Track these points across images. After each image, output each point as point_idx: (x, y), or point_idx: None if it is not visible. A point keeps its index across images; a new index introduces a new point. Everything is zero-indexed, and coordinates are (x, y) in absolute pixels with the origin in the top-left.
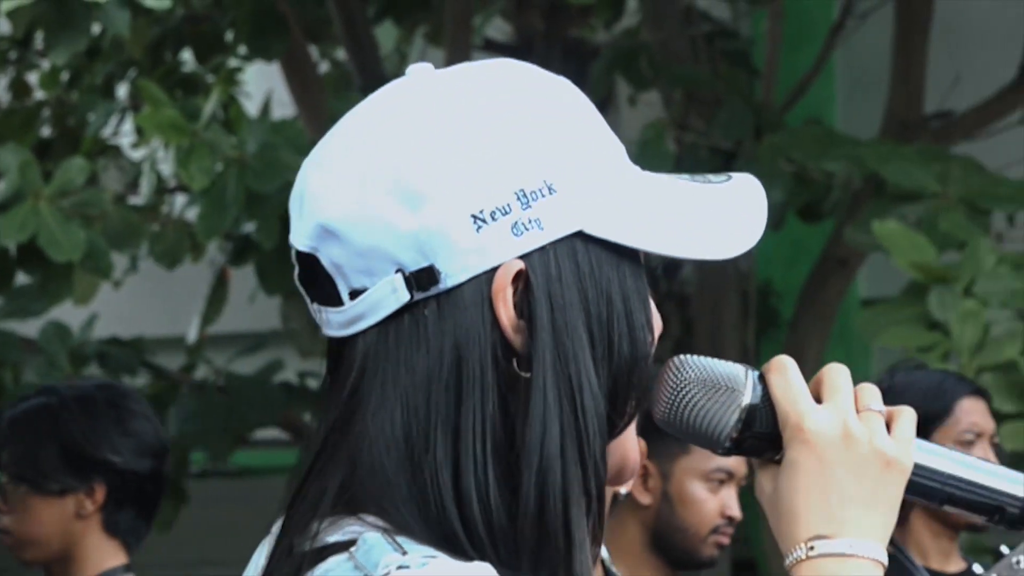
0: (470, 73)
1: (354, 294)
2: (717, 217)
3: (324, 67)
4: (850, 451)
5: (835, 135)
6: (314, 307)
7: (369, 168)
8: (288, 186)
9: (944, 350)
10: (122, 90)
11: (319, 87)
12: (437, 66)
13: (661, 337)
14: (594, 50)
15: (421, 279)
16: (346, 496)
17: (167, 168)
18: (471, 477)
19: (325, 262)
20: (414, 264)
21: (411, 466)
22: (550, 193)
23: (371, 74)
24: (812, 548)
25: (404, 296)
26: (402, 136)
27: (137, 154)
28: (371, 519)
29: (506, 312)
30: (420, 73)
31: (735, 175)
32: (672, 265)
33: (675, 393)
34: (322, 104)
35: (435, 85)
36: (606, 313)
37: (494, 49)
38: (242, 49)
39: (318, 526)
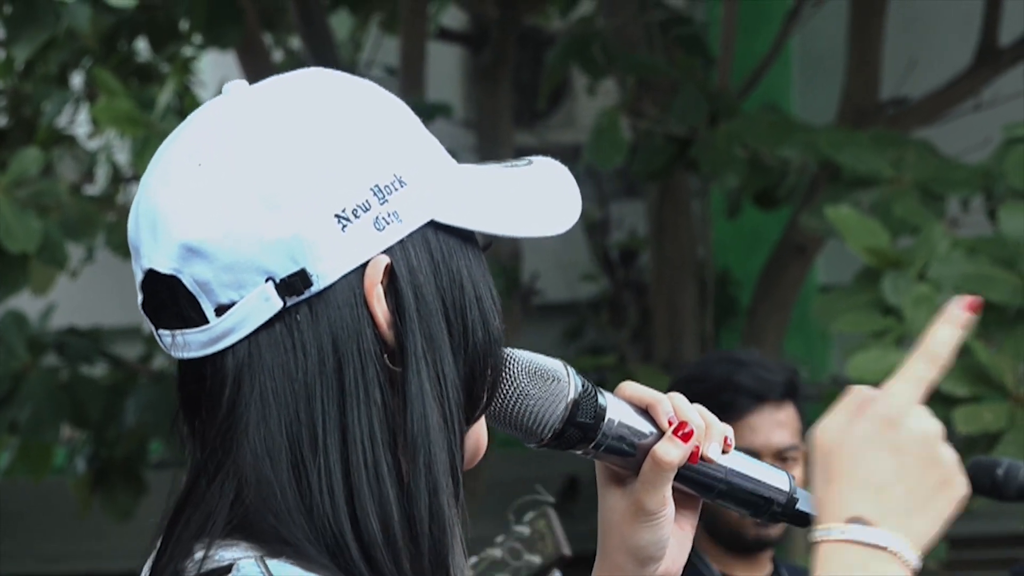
0: (292, 84)
1: (220, 310)
2: (541, 197)
3: (279, 56)
4: (929, 454)
5: (790, 121)
6: (162, 333)
7: (227, 182)
8: None
9: (898, 335)
10: (77, 79)
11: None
12: (394, 54)
13: (620, 325)
14: (549, 38)
15: (293, 284)
16: (238, 517)
17: (123, 158)
18: (363, 476)
19: (187, 282)
20: (284, 271)
21: (297, 474)
22: (401, 186)
23: (326, 63)
24: (844, 531)
25: (277, 304)
26: (254, 148)
27: (93, 144)
28: (248, 544)
29: (380, 307)
30: (242, 89)
31: (535, 158)
32: (629, 254)
33: (505, 383)
34: None
35: (265, 98)
36: (460, 300)
37: (449, 38)
38: (197, 38)
39: (205, 551)
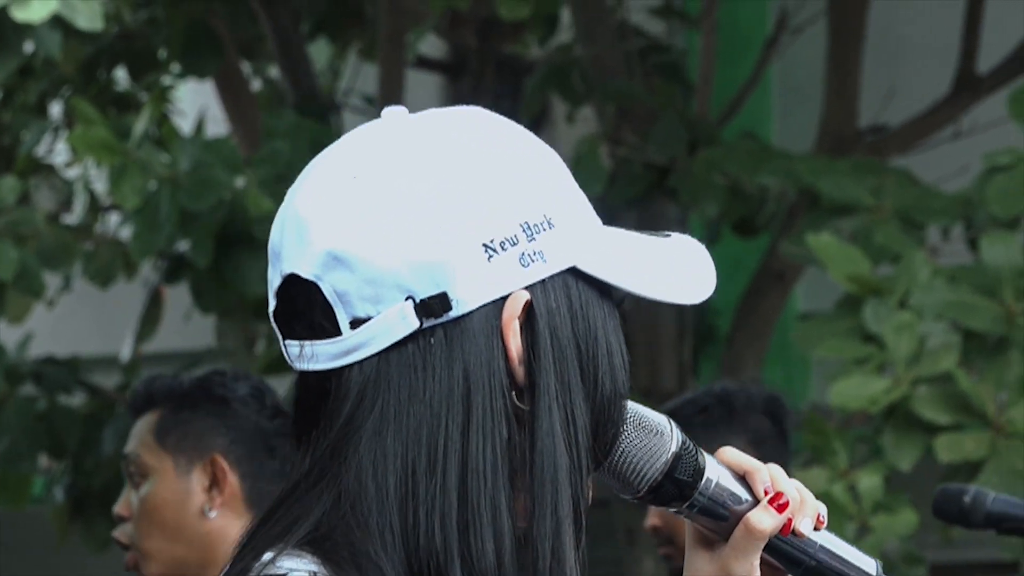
0: (452, 116)
1: (355, 323)
2: (679, 265)
3: (257, 84)
4: None
5: (769, 149)
6: (290, 344)
7: (381, 197)
8: (221, 204)
9: (880, 362)
10: (56, 108)
11: (252, 105)
12: (371, 83)
13: None
14: (528, 66)
15: (432, 306)
16: (325, 527)
17: (101, 187)
18: (481, 505)
19: (327, 290)
20: (425, 292)
21: (406, 495)
22: (550, 227)
23: (305, 91)
24: None
25: (413, 323)
26: (410, 169)
27: (71, 173)
28: (315, 557)
29: (515, 342)
30: (400, 115)
31: (673, 233)
32: None
33: None
34: (256, 121)
35: (424, 124)
36: (593, 350)
37: (428, 66)
38: (175, 67)
39: (275, 555)
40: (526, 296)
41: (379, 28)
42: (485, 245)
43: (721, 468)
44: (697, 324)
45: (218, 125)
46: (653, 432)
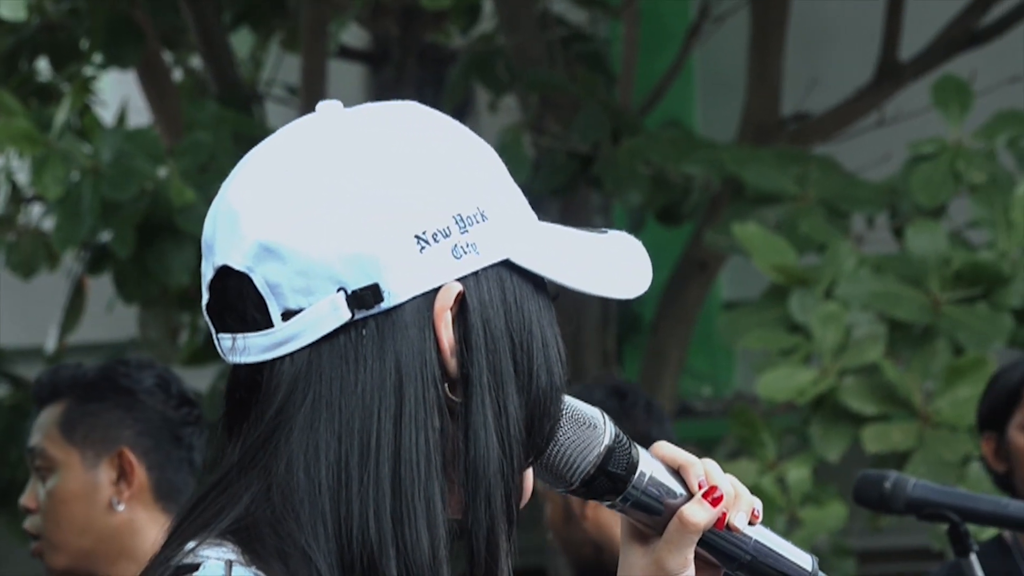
0: (387, 109)
1: (287, 315)
2: (614, 259)
3: (179, 75)
4: None
5: (693, 138)
6: (222, 337)
7: (313, 189)
8: (143, 195)
9: (806, 352)
10: None
11: (175, 95)
12: (294, 73)
13: None
14: (451, 56)
15: (364, 298)
16: (252, 517)
17: (23, 177)
18: (416, 496)
19: (259, 282)
20: (356, 283)
21: (338, 486)
22: (483, 220)
23: (227, 81)
24: None
25: (345, 315)
26: (343, 161)
27: None
28: (236, 546)
29: (447, 333)
30: (335, 108)
31: (610, 230)
32: None
33: None
34: (178, 112)
35: (359, 118)
36: (528, 343)
37: (350, 56)
38: (97, 57)
39: (195, 544)
40: (458, 288)
41: (301, 18)
42: (417, 237)
43: (655, 462)
44: (621, 313)
45: (140, 115)
46: (586, 425)
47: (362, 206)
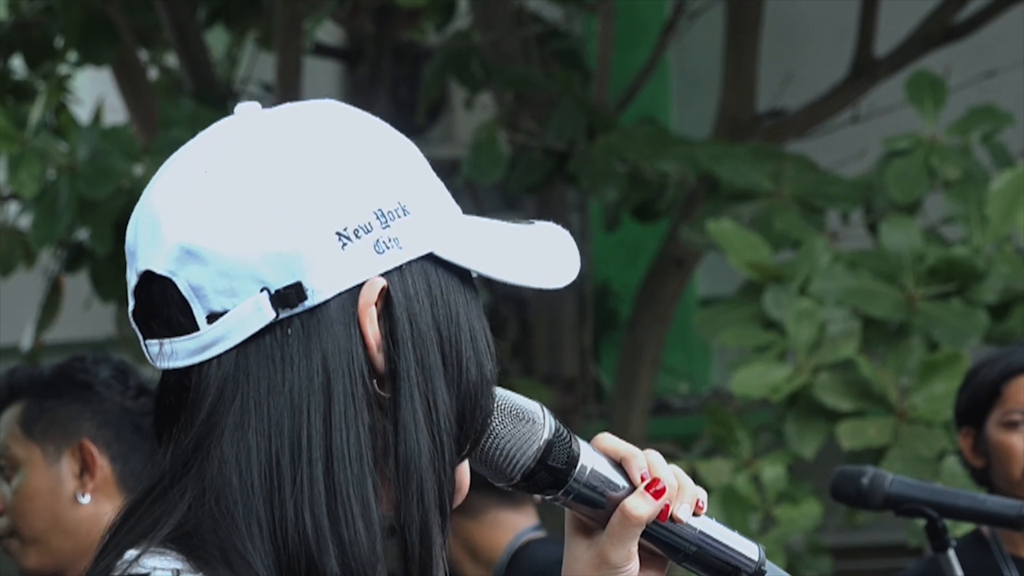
0: (306, 109)
1: (212, 317)
2: (541, 250)
3: (154, 73)
4: None
5: (668, 135)
6: (150, 343)
7: (231, 190)
8: (120, 193)
9: (781, 349)
10: None
11: (150, 93)
12: (269, 71)
13: (500, 338)
14: (426, 53)
15: (288, 297)
16: (191, 523)
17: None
18: (349, 493)
19: (182, 285)
20: (280, 282)
21: (271, 487)
22: (405, 214)
23: (202, 79)
24: None
25: (269, 315)
26: (261, 161)
27: None
28: (179, 555)
29: (372, 330)
30: (254, 110)
31: (536, 221)
32: None
33: None
34: (153, 109)
35: (277, 118)
36: (456, 336)
37: (326, 53)
38: (72, 55)
39: (138, 554)
40: (382, 283)
41: (276, 16)
42: (338, 233)
43: (597, 455)
44: (598, 309)
45: (116, 114)
46: (524, 420)
47: (282, 205)
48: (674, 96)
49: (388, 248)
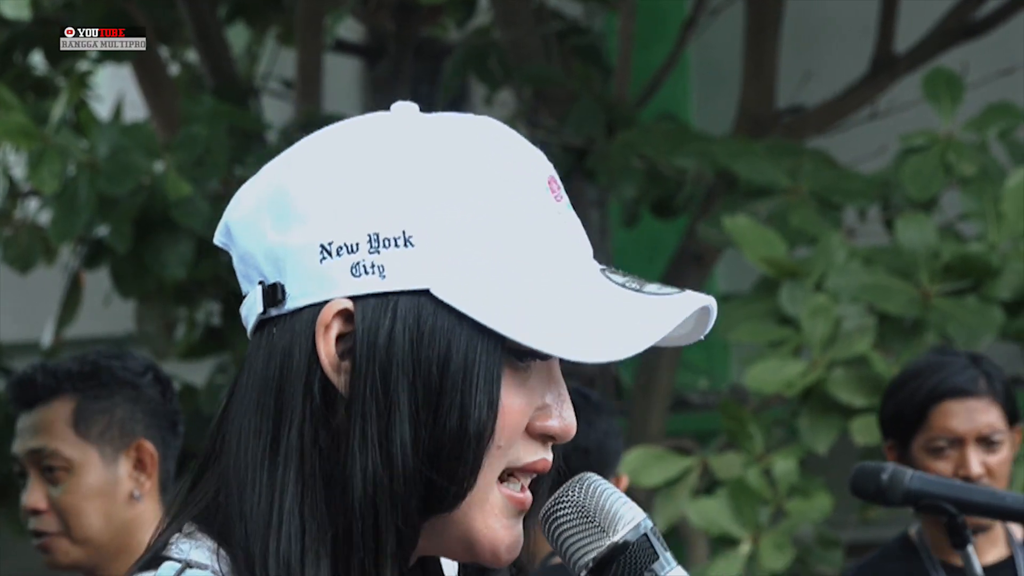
0: (432, 121)
1: (240, 299)
2: (605, 321)
3: (175, 69)
4: None
5: (687, 131)
6: None
7: (268, 181)
8: (140, 189)
9: (796, 344)
10: None
11: (171, 89)
12: (290, 67)
13: None
14: (446, 49)
15: (272, 295)
16: (210, 512)
17: (20, 172)
18: (285, 498)
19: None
20: (270, 278)
21: (239, 480)
22: (406, 245)
23: (223, 75)
24: None
25: (259, 308)
26: (307, 156)
27: None
28: (203, 541)
29: (325, 347)
30: (403, 110)
31: (694, 294)
32: None
33: (555, 502)
34: (174, 106)
35: (389, 123)
36: (438, 379)
37: (346, 50)
38: (94, 52)
39: (174, 536)
40: (343, 305)
41: (297, 12)
42: (322, 246)
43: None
44: None
45: (136, 110)
46: (593, 525)
47: (295, 205)
48: (694, 92)
49: (367, 273)
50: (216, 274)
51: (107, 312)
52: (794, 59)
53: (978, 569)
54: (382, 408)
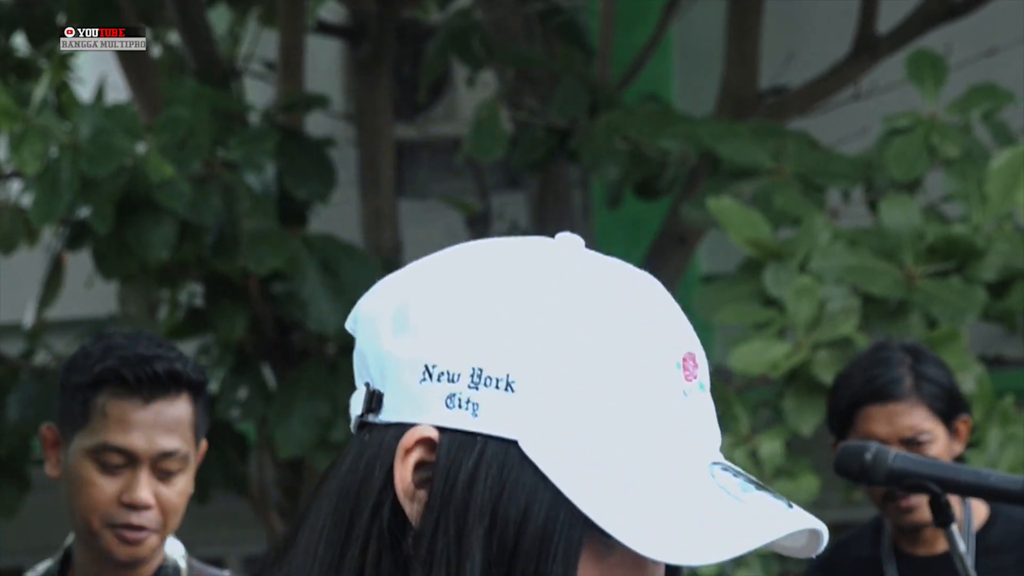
0: (586, 263)
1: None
2: (687, 523)
3: (157, 51)
4: None
5: (670, 112)
6: None
7: (399, 283)
8: (122, 171)
9: (780, 326)
10: None
11: (153, 71)
12: (272, 48)
13: None
14: (428, 31)
15: (372, 401)
16: None
17: (1, 153)
18: None
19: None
20: (375, 384)
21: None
22: (506, 389)
23: (205, 57)
24: None
25: (359, 410)
26: (442, 268)
27: None
28: None
29: (401, 472)
30: (567, 242)
31: (802, 514)
32: None
33: None
34: (156, 88)
35: (539, 254)
36: (514, 540)
37: (328, 31)
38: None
39: None
40: (428, 433)
41: None
42: (426, 366)
43: None
44: None
45: (118, 92)
46: None
47: (411, 314)
48: (676, 74)
49: (460, 407)
50: (199, 255)
51: (89, 293)
52: (777, 40)
53: (962, 547)
54: (453, 554)
